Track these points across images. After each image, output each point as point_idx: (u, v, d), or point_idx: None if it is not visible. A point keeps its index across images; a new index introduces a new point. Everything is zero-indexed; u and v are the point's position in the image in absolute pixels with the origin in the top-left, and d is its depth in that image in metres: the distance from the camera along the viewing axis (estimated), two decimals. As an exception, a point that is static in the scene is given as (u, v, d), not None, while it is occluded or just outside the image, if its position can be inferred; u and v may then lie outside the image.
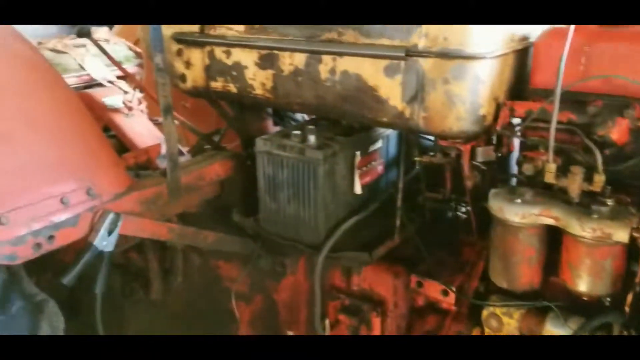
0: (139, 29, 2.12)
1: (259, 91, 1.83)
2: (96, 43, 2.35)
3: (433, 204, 1.82)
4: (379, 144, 1.94)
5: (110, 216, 1.59)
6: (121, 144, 2.60)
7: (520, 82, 1.60)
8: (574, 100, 1.44)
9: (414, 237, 1.84)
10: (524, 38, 1.58)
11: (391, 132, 1.96)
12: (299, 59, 1.69)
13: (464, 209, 1.89)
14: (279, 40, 1.72)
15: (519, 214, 1.41)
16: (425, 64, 1.46)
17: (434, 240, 1.89)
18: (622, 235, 1.29)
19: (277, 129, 2.22)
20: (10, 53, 1.68)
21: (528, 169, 1.47)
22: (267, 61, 1.76)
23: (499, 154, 1.59)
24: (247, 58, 1.81)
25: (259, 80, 1.81)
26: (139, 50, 3.00)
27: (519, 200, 1.42)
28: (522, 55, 1.58)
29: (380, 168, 1.97)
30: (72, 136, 1.64)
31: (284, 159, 1.77)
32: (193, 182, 1.90)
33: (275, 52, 1.74)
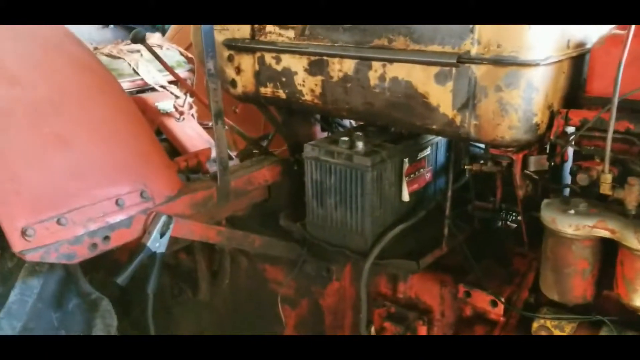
0: (191, 34, 2.17)
1: (307, 97, 1.84)
2: (150, 49, 2.43)
3: (482, 213, 1.79)
4: (428, 151, 1.93)
5: (163, 218, 1.64)
6: (172, 148, 2.67)
7: (575, 89, 1.55)
8: (632, 108, 1.39)
9: (462, 246, 1.82)
10: (580, 44, 1.54)
11: (440, 139, 1.94)
12: (348, 65, 1.70)
13: (513, 219, 1.85)
14: (329, 47, 1.73)
15: (573, 226, 1.37)
16: (478, 70, 1.44)
17: (483, 250, 1.86)
18: (684, 250, 1.24)
19: (324, 134, 2.23)
20: (70, 57, 1.76)
21: (582, 179, 1.42)
22: (317, 67, 1.78)
23: (552, 163, 1.56)
24: (296, 64, 1.83)
25: (308, 86, 1.83)
26: (190, 55, 3.07)
27: (572, 212, 1.38)
28: (578, 62, 1.54)
29: (428, 175, 1.95)
30: (128, 140, 1.70)
31: (331, 165, 1.78)
32: (242, 186, 1.93)
33: (325, 58, 1.75)
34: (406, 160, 1.83)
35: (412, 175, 1.87)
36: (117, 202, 1.57)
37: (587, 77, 1.49)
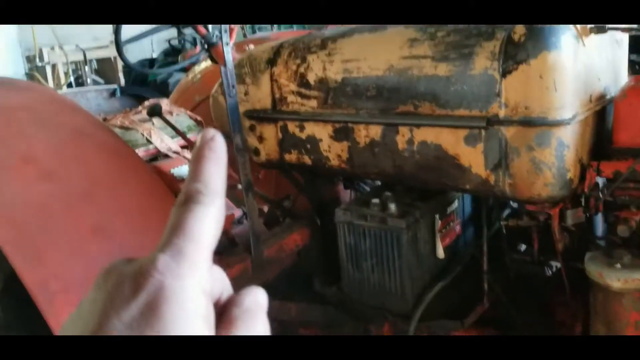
0: (211, 106, 2.20)
1: (334, 162, 1.87)
2: (166, 120, 2.46)
3: (520, 265, 1.80)
4: (455, 205, 1.95)
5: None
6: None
7: (600, 140, 1.59)
8: (663, 157, 1.43)
9: (502, 299, 1.82)
10: (602, 96, 1.59)
11: (466, 192, 1.96)
12: (375, 131, 1.73)
13: (551, 270, 1.86)
14: (353, 114, 1.76)
15: (621, 280, 1.38)
16: (508, 132, 1.47)
17: (523, 302, 1.86)
18: None
19: (347, 192, 2.25)
20: (99, 144, 1.78)
21: (623, 230, 1.45)
22: (342, 134, 1.81)
23: (587, 215, 1.58)
24: (321, 131, 1.86)
25: (334, 152, 1.85)
26: (199, 118, 3.12)
27: (618, 265, 1.40)
28: (601, 113, 1.58)
29: (458, 228, 1.97)
30: (158, 222, 1.71)
31: (365, 229, 1.80)
32: (275, 254, 1.94)
33: (350, 125, 1.78)
34: (437, 216, 1.84)
35: (443, 231, 1.89)
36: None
37: (612, 128, 1.53)
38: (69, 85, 7.74)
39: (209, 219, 0.37)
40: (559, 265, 1.69)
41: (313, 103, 1.85)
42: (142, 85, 6.87)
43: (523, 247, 1.96)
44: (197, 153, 0.39)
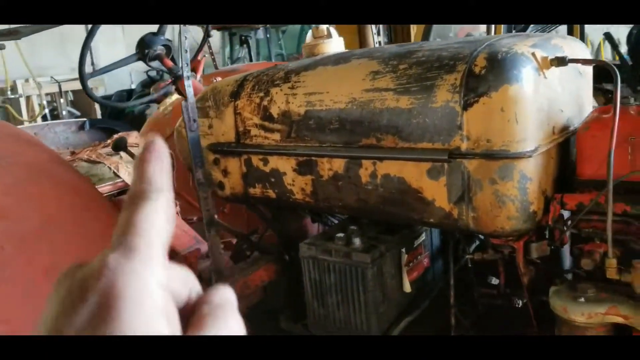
0: (175, 140, 2.16)
1: (298, 196, 1.84)
2: (131, 154, 2.41)
3: (487, 299, 1.77)
4: (423, 237, 1.92)
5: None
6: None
7: (564, 171, 1.59)
8: (626, 190, 1.41)
9: (469, 333, 1.78)
10: (565, 128, 1.58)
11: (434, 225, 1.94)
12: (338, 164, 1.71)
13: (519, 303, 1.82)
14: (317, 147, 1.74)
15: (585, 314, 1.35)
16: (470, 165, 1.46)
17: (491, 335, 1.82)
18: (701, 334, 1.23)
19: (316, 226, 2.21)
20: (56, 181, 1.73)
21: (587, 264, 1.42)
22: (306, 167, 1.78)
23: (552, 247, 1.56)
24: (284, 165, 1.83)
25: (298, 185, 1.82)
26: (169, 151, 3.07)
27: (582, 299, 1.37)
28: (565, 145, 1.58)
29: (426, 261, 1.93)
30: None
31: (330, 264, 1.75)
32: (239, 291, 1.88)
33: (314, 158, 1.76)
34: (404, 250, 1.81)
35: (410, 264, 1.85)
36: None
37: (576, 161, 1.52)
38: (44, 117, 7.65)
39: (156, 214, 0.37)
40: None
41: (276, 136, 1.82)
42: (118, 118, 6.81)
43: (495, 280, 1.93)
44: (139, 158, 0.40)
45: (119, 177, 2.76)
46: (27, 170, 1.67)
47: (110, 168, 2.76)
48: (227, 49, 7.40)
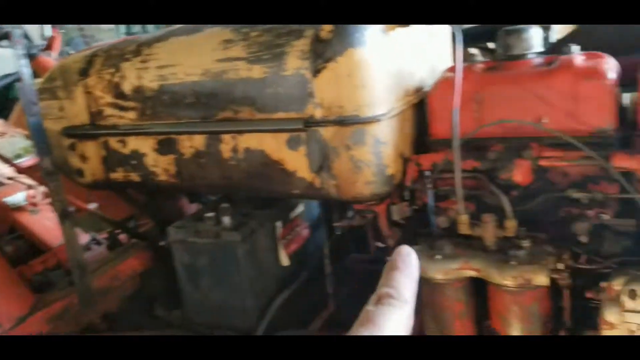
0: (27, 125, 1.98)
1: (162, 177, 1.74)
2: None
3: (360, 264, 1.78)
4: (301, 208, 1.90)
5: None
6: (30, 245, 2.41)
7: (422, 133, 1.60)
8: (475, 147, 1.44)
9: (349, 301, 1.79)
10: (419, 89, 1.59)
11: (309, 195, 1.91)
12: (199, 141, 1.63)
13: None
14: (174, 125, 1.65)
15: (442, 271, 1.38)
16: (326, 133, 1.43)
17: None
18: (542, 279, 1.28)
19: (194, 207, 2.13)
20: None
21: (443, 221, 1.45)
22: (166, 146, 1.69)
23: (415, 207, 1.58)
24: (144, 145, 1.72)
25: (161, 166, 1.73)
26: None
27: (439, 257, 1.40)
28: (421, 106, 1.59)
29: (305, 232, 1.92)
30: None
31: (200, 246, 1.69)
32: (108, 283, 1.78)
33: (173, 136, 1.67)
34: (279, 223, 1.78)
35: (288, 237, 1.82)
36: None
37: (428, 121, 1.54)
38: None
39: (399, 324, 0.42)
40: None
41: (131, 115, 1.71)
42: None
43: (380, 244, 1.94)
44: (390, 264, 0.47)
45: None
46: None
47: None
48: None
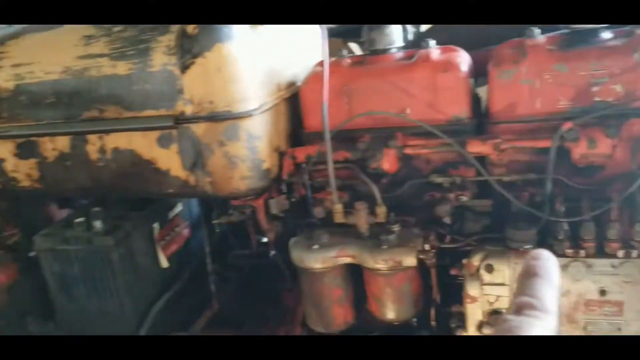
0: None
1: (25, 183, 1.62)
2: None
3: (241, 260, 1.78)
4: (179, 207, 1.85)
5: None
6: None
7: (298, 127, 1.62)
8: (347, 138, 1.49)
9: (233, 298, 1.79)
10: (292, 84, 1.61)
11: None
12: (62, 143, 1.54)
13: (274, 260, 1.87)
14: (35, 127, 1.54)
15: (319, 260, 1.42)
16: (198, 129, 1.41)
17: (255, 295, 1.85)
18: (410, 260, 1.36)
19: (65, 213, 2.00)
20: None
21: (319, 212, 1.49)
22: (27, 150, 1.58)
23: (294, 200, 1.60)
24: (2, 150, 1.60)
25: (22, 171, 1.61)
26: None
27: (316, 246, 1.44)
28: (295, 100, 1.61)
29: (186, 231, 1.88)
30: None
31: (71, 253, 1.59)
32: (-33, 301, 1.62)
33: (34, 139, 1.56)
34: (156, 224, 1.73)
35: (167, 238, 1.77)
36: None
37: (302, 115, 1.56)
38: None
39: (541, 335, 0.38)
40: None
41: (-15, 117, 1.57)
42: None
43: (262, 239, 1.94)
44: (528, 269, 0.43)
45: None
46: None
47: None
48: None
